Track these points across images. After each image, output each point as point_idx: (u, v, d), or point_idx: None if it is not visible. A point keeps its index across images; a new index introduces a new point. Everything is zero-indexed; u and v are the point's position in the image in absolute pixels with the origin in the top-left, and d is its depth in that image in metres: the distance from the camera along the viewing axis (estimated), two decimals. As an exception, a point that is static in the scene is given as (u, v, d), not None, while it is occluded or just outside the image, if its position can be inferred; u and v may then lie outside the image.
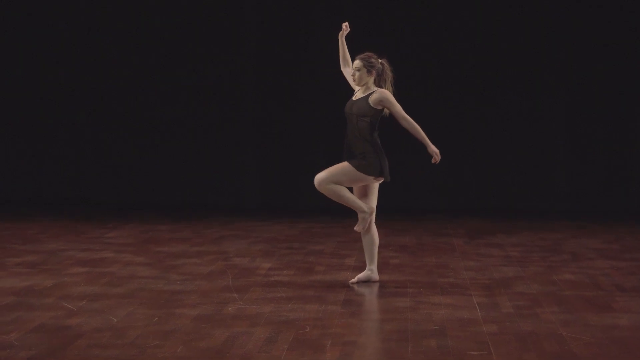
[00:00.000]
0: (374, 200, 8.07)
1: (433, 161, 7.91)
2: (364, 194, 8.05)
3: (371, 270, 8.12)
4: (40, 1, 13.85)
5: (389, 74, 8.12)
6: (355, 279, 8.12)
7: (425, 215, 12.93)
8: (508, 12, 13.49)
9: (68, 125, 13.98)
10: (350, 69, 8.29)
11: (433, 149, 7.89)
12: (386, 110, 8.00)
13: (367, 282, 8.10)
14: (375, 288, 7.96)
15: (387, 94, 7.95)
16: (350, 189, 8.06)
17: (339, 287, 7.96)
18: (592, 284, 8.12)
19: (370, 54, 8.12)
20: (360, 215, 7.99)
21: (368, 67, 8.06)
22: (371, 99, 7.96)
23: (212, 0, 13.79)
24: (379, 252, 9.67)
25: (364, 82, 8.06)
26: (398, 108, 7.93)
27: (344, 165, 7.95)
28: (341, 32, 8.47)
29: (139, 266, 8.90)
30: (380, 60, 8.11)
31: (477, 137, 13.62)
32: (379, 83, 8.08)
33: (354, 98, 8.11)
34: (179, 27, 13.81)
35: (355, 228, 8.04)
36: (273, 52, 13.80)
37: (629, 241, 10.71)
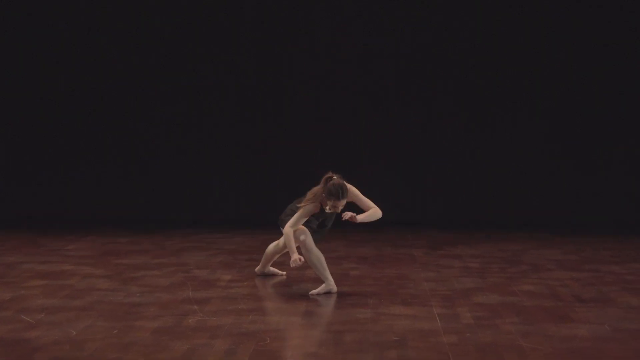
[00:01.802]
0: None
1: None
2: None
3: (328, 282, 8.15)
4: (40, 1, 13.75)
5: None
6: (315, 291, 8.13)
7: (385, 227, 12.94)
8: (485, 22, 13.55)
9: (25, 137, 13.87)
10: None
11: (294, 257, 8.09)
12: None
13: (327, 293, 8.12)
14: (336, 299, 7.95)
15: None
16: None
17: (299, 299, 7.95)
18: (552, 295, 8.16)
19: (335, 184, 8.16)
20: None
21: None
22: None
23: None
24: (339, 264, 9.69)
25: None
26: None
27: None
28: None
29: (98, 278, 8.84)
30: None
31: (438, 148, 13.65)
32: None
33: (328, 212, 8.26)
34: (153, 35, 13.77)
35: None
36: (261, 52, 13.78)
37: (588, 252, 10.78)
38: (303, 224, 8.20)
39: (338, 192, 8.03)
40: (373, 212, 8.24)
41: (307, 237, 8.16)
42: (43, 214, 13.70)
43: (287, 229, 8.16)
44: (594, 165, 13.54)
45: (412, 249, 11.04)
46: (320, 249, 8.26)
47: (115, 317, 7.16)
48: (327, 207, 8.12)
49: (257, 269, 9.13)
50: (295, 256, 8.00)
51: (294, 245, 8.11)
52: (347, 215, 8.03)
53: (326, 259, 8.28)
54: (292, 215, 8.27)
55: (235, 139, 13.80)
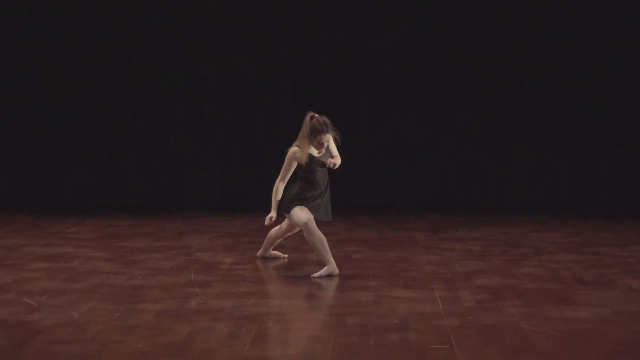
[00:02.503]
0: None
1: None
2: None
3: (330, 265, 8.16)
4: (40, 1, 13.72)
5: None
6: (317, 274, 8.14)
7: (387, 210, 12.96)
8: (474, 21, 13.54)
9: (29, 123, 13.87)
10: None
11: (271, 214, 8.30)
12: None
13: (329, 276, 8.13)
14: (338, 282, 7.97)
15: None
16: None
17: (301, 282, 7.96)
18: (553, 278, 8.17)
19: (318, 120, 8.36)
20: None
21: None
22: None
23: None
24: (341, 246, 9.70)
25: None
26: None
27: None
28: None
29: (100, 261, 8.86)
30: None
31: (440, 132, 13.65)
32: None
33: (317, 156, 8.35)
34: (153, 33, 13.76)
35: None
36: (261, 52, 13.76)
37: (589, 235, 10.79)
38: (304, 205, 8.21)
39: (322, 126, 8.20)
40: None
41: (310, 220, 8.17)
42: (45, 197, 13.72)
43: (276, 183, 8.31)
44: (595, 148, 13.53)
45: (413, 232, 11.05)
46: (322, 231, 8.28)
47: (118, 299, 7.17)
48: (315, 148, 8.25)
49: (258, 253, 9.15)
50: (270, 214, 8.23)
51: (275, 203, 8.28)
52: (330, 162, 8.22)
53: (328, 241, 8.29)
54: (292, 200, 8.30)
55: (234, 125, 13.79)
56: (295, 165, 8.26)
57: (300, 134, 8.32)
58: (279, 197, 8.31)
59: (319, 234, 8.19)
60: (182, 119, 13.82)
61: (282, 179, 8.29)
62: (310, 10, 13.71)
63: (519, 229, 11.24)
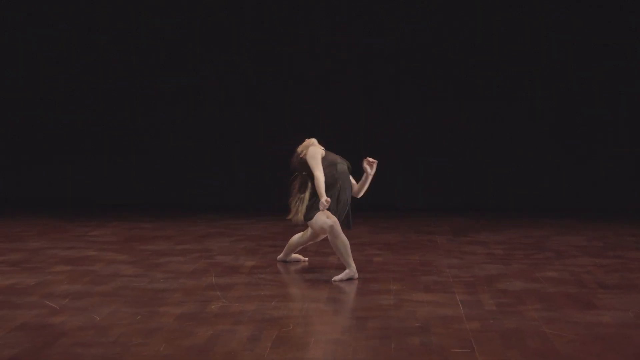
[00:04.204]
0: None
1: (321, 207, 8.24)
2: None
3: (351, 269, 8.16)
4: (40, 1, 13.80)
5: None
6: (338, 277, 8.14)
7: (409, 213, 12.94)
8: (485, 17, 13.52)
9: (50, 124, 13.93)
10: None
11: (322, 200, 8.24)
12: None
13: (349, 279, 8.13)
14: (359, 286, 7.96)
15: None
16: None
17: (322, 285, 7.96)
18: (575, 282, 8.14)
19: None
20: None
21: None
22: None
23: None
24: (363, 250, 9.71)
25: None
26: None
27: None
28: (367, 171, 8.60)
29: (122, 264, 8.88)
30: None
31: (463, 135, 13.63)
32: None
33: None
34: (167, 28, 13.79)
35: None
36: (261, 52, 13.78)
37: (612, 239, 10.74)
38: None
39: None
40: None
41: (336, 224, 8.18)
42: (68, 200, 13.77)
43: (316, 173, 8.30)
44: (618, 151, 13.48)
45: (435, 235, 11.03)
46: (345, 235, 8.28)
47: (139, 302, 7.19)
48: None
49: (279, 257, 9.15)
50: (324, 198, 8.16)
51: (323, 190, 8.23)
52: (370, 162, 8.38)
53: (350, 245, 8.28)
54: (312, 208, 8.30)
55: (258, 128, 13.81)
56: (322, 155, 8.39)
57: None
58: (323, 185, 8.27)
59: (343, 238, 8.19)
60: (207, 121, 13.84)
61: (319, 170, 8.34)
62: (310, 10, 13.70)
63: (542, 233, 11.19)
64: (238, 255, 9.49)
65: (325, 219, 8.20)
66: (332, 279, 8.13)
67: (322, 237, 8.58)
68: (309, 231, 8.67)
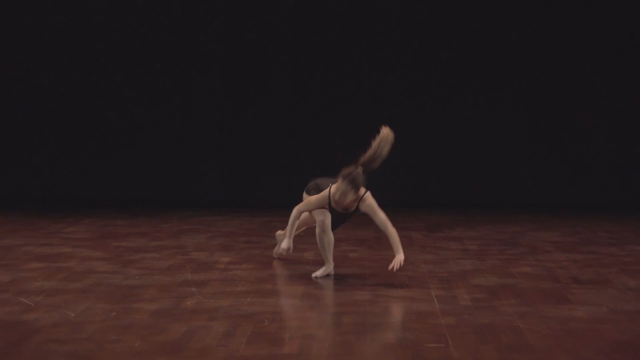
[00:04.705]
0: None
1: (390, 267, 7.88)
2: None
3: (329, 265, 8.15)
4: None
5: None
6: (318, 273, 8.12)
7: (384, 209, 12.93)
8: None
9: (23, 120, 13.87)
10: None
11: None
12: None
13: (327, 275, 8.13)
14: (334, 281, 7.97)
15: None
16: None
17: (297, 281, 7.96)
18: (550, 277, 8.17)
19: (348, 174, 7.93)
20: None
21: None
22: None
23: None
24: (338, 246, 9.72)
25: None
26: None
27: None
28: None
29: (96, 261, 8.86)
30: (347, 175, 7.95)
31: (437, 131, 13.66)
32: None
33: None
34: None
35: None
36: (235, 45, 13.77)
37: (586, 234, 10.80)
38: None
39: (354, 180, 7.80)
40: (394, 238, 7.94)
41: (327, 219, 8.10)
42: (41, 196, 13.72)
43: (294, 211, 8.03)
44: (593, 146, 13.54)
45: (410, 231, 11.05)
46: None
47: (114, 299, 7.17)
48: (335, 199, 7.86)
49: (280, 235, 8.94)
50: (286, 244, 7.96)
51: (292, 230, 8.06)
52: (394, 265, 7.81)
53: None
54: (314, 189, 8.20)
55: (231, 125, 13.80)
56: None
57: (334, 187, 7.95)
58: (294, 225, 8.03)
59: (330, 234, 8.12)
60: (179, 117, 13.82)
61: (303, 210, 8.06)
62: (310, 10, 13.70)
63: (516, 228, 11.23)
64: (213, 251, 9.48)
65: (317, 213, 8.10)
66: (313, 275, 8.12)
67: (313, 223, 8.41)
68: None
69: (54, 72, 13.79)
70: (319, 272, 8.14)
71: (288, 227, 8.08)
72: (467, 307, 6.95)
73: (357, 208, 7.98)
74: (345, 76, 13.71)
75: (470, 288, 7.67)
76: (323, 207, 8.04)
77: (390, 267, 7.79)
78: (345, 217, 8.16)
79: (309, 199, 8.07)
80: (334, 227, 8.19)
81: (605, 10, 13.40)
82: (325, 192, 7.96)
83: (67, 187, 13.82)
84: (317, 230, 8.15)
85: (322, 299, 7.44)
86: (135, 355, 5.65)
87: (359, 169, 7.93)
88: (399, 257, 7.80)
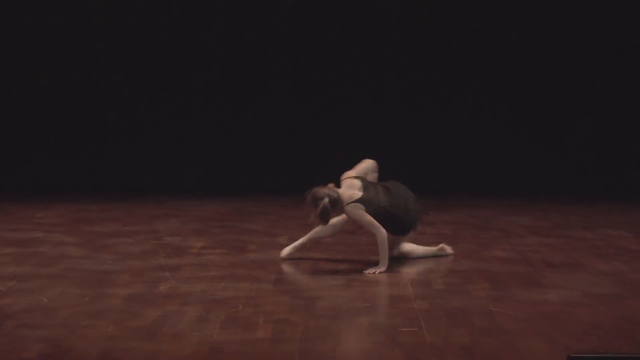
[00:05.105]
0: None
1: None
2: None
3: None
4: None
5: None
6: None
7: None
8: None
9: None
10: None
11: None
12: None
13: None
14: (308, 266, 7.97)
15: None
16: None
17: (271, 266, 7.96)
18: (522, 261, 8.21)
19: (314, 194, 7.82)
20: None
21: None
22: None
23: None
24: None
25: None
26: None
27: None
28: None
29: (70, 246, 8.82)
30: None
31: (409, 115, 13.67)
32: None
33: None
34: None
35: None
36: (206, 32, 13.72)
37: (559, 218, 10.84)
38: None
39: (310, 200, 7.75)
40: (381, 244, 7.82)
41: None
42: (13, 181, 13.63)
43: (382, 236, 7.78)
44: (564, 131, 13.59)
45: (384, 215, 11.04)
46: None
47: (87, 284, 7.15)
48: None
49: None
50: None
51: (385, 253, 7.79)
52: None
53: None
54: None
55: (231, 125, 13.73)
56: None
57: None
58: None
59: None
60: (152, 101, 13.75)
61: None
62: (310, 10, 13.65)
63: (489, 213, 11.27)
64: (187, 236, 9.46)
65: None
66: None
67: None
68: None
69: (25, 59, 13.70)
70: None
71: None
72: (440, 291, 6.98)
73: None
74: (345, 76, 13.68)
75: (444, 272, 7.70)
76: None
77: (366, 270, 7.74)
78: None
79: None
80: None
81: (605, 10, 13.41)
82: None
83: (39, 172, 13.73)
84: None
85: (296, 284, 7.45)
86: (109, 340, 5.64)
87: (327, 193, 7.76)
88: (379, 269, 7.74)
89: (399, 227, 8.07)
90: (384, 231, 7.77)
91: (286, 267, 7.92)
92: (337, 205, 7.76)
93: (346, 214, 7.87)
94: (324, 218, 7.74)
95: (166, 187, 13.42)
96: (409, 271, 7.73)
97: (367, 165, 8.28)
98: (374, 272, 7.63)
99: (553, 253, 8.58)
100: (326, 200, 7.68)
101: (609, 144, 13.58)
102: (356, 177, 8.02)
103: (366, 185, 7.97)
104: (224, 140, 13.75)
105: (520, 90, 13.60)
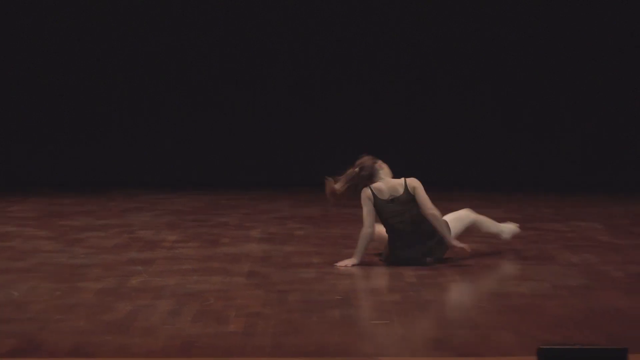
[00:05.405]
0: None
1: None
2: None
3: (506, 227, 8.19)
4: None
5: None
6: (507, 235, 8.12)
7: (331, 187, 12.95)
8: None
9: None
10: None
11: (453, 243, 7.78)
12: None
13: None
14: (280, 259, 7.98)
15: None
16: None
17: (243, 259, 7.97)
18: (494, 253, 8.25)
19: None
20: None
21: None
22: None
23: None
24: (284, 223, 9.72)
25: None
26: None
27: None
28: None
29: (42, 240, 8.80)
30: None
31: (383, 108, 13.69)
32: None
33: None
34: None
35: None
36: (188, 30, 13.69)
37: (530, 211, 10.90)
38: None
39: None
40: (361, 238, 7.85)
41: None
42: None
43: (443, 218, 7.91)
44: (535, 125, 13.66)
45: (357, 209, 11.05)
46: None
47: (59, 278, 7.13)
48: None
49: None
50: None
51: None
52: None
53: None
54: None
55: (231, 124, 13.71)
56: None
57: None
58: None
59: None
60: (126, 94, 13.71)
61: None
62: (310, 10, 13.63)
63: (462, 205, 11.28)
64: (159, 229, 9.46)
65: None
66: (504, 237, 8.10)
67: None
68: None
69: (10, 56, 13.65)
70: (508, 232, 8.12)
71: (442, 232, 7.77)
72: (412, 284, 7.00)
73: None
74: (345, 76, 13.69)
75: (416, 265, 7.72)
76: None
77: (337, 263, 7.76)
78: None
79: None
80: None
81: (605, 10, 13.45)
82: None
83: (12, 166, 13.67)
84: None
85: (268, 277, 7.45)
86: (80, 335, 5.63)
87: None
88: (351, 261, 7.74)
89: (391, 247, 7.93)
90: (370, 230, 7.78)
91: (259, 261, 7.93)
92: (362, 181, 7.86)
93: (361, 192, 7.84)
94: (345, 184, 7.90)
95: (139, 180, 13.39)
96: (381, 264, 7.75)
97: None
98: (345, 265, 7.65)
99: (524, 245, 8.62)
100: (358, 170, 7.87)
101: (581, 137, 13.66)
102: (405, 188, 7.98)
103: (400, 198, 7.90)
104: (224, 139, 13.69)
105: (494, 81, 13.64)
